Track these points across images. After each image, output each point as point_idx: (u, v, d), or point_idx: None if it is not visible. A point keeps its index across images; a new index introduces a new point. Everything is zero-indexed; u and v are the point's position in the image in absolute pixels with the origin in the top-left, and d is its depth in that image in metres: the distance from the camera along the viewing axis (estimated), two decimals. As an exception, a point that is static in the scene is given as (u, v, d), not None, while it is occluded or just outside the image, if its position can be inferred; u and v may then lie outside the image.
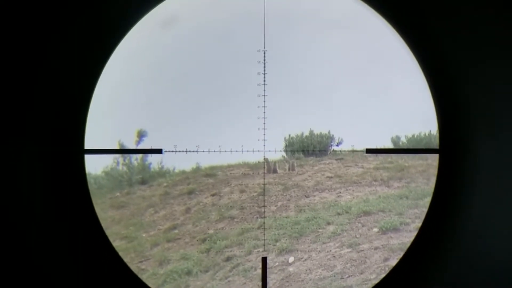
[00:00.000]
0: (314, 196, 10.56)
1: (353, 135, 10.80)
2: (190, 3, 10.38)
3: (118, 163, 11.45)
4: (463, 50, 3.78)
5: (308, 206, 10.30)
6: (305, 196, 10.55)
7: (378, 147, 10.27)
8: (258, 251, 9.41)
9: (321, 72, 10.99)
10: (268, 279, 4.93)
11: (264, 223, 9.84)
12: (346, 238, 9.50)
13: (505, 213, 3.55)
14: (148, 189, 11.31)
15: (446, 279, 3.81)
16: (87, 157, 4.06)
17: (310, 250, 9.36)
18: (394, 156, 11.31)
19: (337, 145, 11.39)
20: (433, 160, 9.98)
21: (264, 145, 5.76)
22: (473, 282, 3.66)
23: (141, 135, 11.17)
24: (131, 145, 11.03)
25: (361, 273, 8.75)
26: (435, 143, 10.73)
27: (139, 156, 11.52)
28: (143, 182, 11.38)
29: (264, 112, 5.92)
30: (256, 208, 10.28)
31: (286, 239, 9.58)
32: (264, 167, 10.66)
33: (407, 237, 9.15)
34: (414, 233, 9.01)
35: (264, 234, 9.60)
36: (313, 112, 11.08)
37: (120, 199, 11.11)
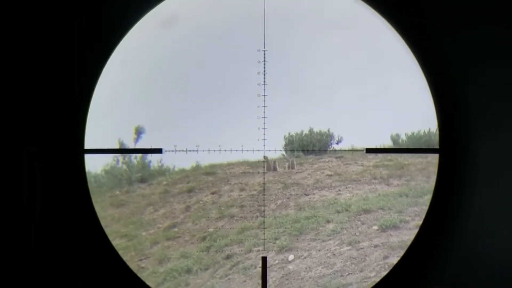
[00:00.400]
0: (314, 194, 10.57)
1: (353, 134, 10.81)
2: (190, 3, 10.38)
3: (118, 161, 11.46)
4: (463, 50, 3.78)
5: (307, 204, 10.30)
6: (305, 194, 10.56)
7: (378, 145, 10.31)
8: (258, 250, 9.42)
9: (321, 71, 11.00)
10: (268, 277, 4.93)
11: (264, 222, 9.84)
12: (345, 236, 9.51)
13: (505, 213, 3.56)
14: (148, 188, 11.31)
15: (446, 279, 3.82)
16: (87, 156, 4.06)
17: (310, 248, 9.36)
18: (393, 154, 11.31)
19: (337, 143, 11.39)
20: (433, 158, 9.98)
21: (264, 145, 5.77)
22: (473, 282, 3.66)
23: (138, 132, 11.17)
24: (129, 142, 11.04)
25: (361, 271, 8.76)
26: (435, 141, 10.75)
27: (139, 154, 11.53)
28: (142, 180, 11.38)
29: (264, 112, 5.92)
30: (256, 206, 10.29)
31: (285, 237, 9.59)
32: (264, 166, 10.66)
33: (407, 235, 9.16)
34: (414, 231, 9.03)
35: (264, 233, 9.60)
36: (313, 111, 11.09)
37: (119, 197, 11.11)
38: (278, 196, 10.48)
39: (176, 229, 10.28)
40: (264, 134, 5.82)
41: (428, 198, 9.61)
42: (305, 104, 10.91)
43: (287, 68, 10.22)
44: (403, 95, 10.56)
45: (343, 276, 8.76)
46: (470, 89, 3.79)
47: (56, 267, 3.85)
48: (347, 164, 11.25)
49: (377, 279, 8.32)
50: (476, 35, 3.65)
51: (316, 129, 11.34)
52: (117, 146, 10.82)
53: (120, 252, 4.24)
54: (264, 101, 5.95)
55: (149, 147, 4.70)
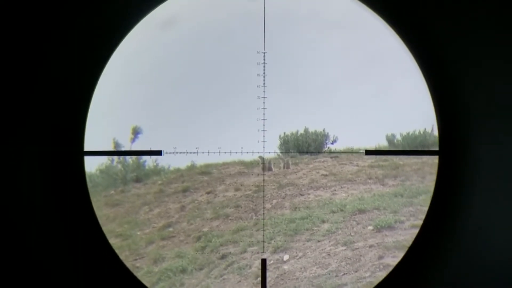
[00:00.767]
0: (309, 194, 10.57)
1: (349, 134, 10.82)
2: (190, 4, 10.36)
3: (113, 161, 11.43)
4: (462, 50, 3.79)
5: (303, 204, 10.30)
6: (300, 194, 10.56)
7: (374, 146, 10.34)
8: (253, 250, 9.41)
9: (321, 73, 11.01)
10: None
11: (263, 224, 9.84)
12: (340, 236, 9.52)
13: (505, 213, 3.57)
14: (143, 187, 11.29)
15: (446, 279, 3.83)
16: (86, 157, 4.06)
17: (305, 248, 9.37)
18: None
19: (332, 143, 11.40)
20: (428, 158, 10.01)
21: (263, 147, 5.77)
22: (473, 282, 3.67)
23: (136, 132, 11.15)
24: (125, 142, 11.01)
25: (356, 271, 8.77)
26: (430, 141, 10.79)
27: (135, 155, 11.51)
28: (137, 180, 11.36)
29: (263, 114, 5.91)
30: (251, 206, 10.28)
31: (281, 237, 9.59)
32: (260, 166, 10.66)
33: (402, 235, 9.18)
34: (409, 231, 9.05)
35: (263, 234, 9.60)
36: (312, 112, 11.10)
37: (114, 197, 11.09)
38: (273, 196, 10.48)
39: (171, 229, 10.27)
40: (263, 136, 5.82)
41: (423, 198, 9.68)
42: (305, 105, 10.93)
43: (287, 70, 10.24)
44: (402, 96, 10.60)
45: (338, 276, 8.77)
46: (470, 89, 3.80)
47: (55, 266, 3.85)
48: (343, 164, 11.27)
49: (373, 279, 8.36)
50: (476, 35, 3.66)
51: (311, 129, 11.35)
52: (111, 146, 10.80)
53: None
54: (264, 103, 5.94)
55: (149, 149, 4.68)
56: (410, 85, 9.21)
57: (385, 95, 10.91)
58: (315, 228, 9.72)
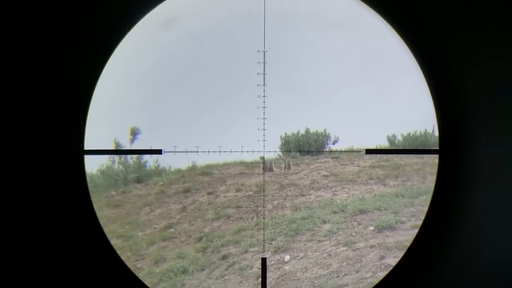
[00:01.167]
0: (310, 194, 10.57)
1: (350, 134, 10.81)
2: (190, 3, 10.36)
3: (113, 161, 11.43)
4: (462, 50, 3.78)
5: (304, 204, 10.30)
6: (301, 194, 10.55)
7: (375, 146, 10.32)
8: (254, 251, 9.41)
9: (321, 72, 11.00)
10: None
11: (264, 224, 9.84)
12: (342, 236, 9.51)
13: (505, 213, 3.57)
14: (144, 188, 11.29)
15: (446, 279, 3.82)
16: (86, 157, 4.06)
17: (306, 249, 9.36)
18: (390, 154, 11.31)
19: (333, 144, 11.39)
20: (429, 158, 10.01)
21: (264, 146, 5.76)
22: (473, 282, 3.67)
23: (134, 132, 11.15)
24: (126, 143, 11.02)
25: (357, 272, 8.76)
26: (431, 141, 10.78)
27: (135, 154, 11.51)
28: (139, 180, 11.36)
29: (264, 113, 5.91)
30: (252, 206, 10.28)
31: (282, 238, 9.59)
32: (262, 166, 10.66)
33: (403, 236, 9.18)
34: (410, 232, 9.04)
35: (264, 234, 9.60)
36: (313, 112, 11.09)
37: (115, 197, 11.09)
38: (275, 197, 10.48)
39: (172, 230, 10.27)
40: (264, 135, 5.81)
41: (424, 198, 9.68)
42: (305, 104, 10.92)
43: (287, 69, 10.23)
44: (402, 96, 10.60)
45: (339, 276, 8.76)
46: (470, 89, 3.80)
47: (56, 267, 3.86)
48: (344, 164, 11.26)
49: (374, 280, 8.34)
50: (476, 35, 3.66)
51: (312, 130, 11.34)
52: (112, 147, 10.80)
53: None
54: (264, 102, 5.94)
55: (149, 148, 4.69)
56: (410, 84, 9.20)
57: (385, 95, 10.90)
58: (316, 229, 9.72)
